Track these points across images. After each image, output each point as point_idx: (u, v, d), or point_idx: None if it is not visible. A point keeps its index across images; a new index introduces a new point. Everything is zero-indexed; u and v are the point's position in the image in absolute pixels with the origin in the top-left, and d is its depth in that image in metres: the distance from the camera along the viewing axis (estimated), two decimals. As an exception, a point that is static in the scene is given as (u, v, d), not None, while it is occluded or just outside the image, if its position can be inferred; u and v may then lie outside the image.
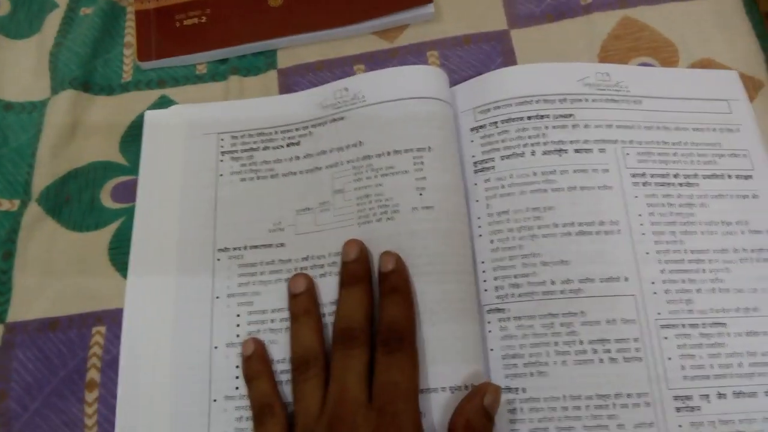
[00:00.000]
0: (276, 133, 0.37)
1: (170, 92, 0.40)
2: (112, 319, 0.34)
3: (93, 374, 0.33)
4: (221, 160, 0.37)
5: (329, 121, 0.37)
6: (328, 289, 0.33)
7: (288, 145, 0.37)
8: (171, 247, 0.35)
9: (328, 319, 0.32)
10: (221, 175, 0.36)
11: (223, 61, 0.41)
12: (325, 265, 0.33)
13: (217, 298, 0.34)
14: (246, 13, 0.41)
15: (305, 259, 0.34)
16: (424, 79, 0.37)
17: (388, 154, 0.35)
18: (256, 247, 0.34)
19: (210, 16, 0.41)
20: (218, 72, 0.40)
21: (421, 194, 0.34)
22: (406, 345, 0.30)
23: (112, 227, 0.36)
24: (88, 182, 0.37)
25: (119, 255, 0.35)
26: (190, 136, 0.38)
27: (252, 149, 0.37)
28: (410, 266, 0.32)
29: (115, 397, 0.32)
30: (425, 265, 0.32)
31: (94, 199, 0.37)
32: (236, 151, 0.37)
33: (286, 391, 0.31)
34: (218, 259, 0.34)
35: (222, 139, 0.37)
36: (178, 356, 0.32)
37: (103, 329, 0.34)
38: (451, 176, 0.35)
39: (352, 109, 0.36)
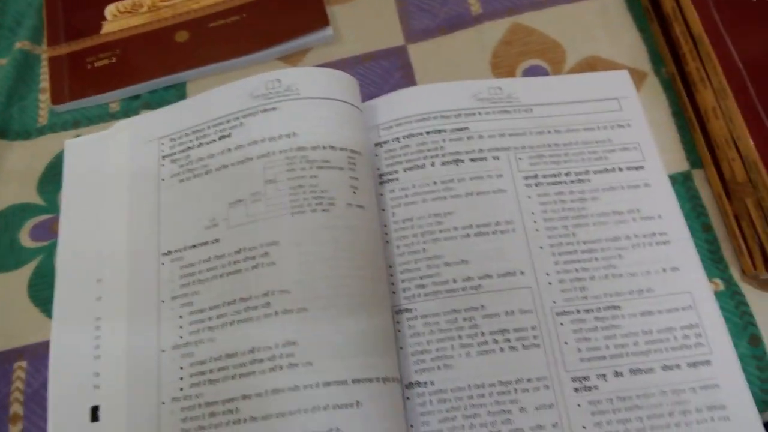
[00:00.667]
0: (209, 128, 0.37)
1: (84, 131, 0.42)
2: (33, 354, 0.35)
3: (16, 408, 0.34)
4: (162, 165, 0.37)
5: (260, 112, 0.36)
6: (261, 281, 0.33)
7: (220, 138, 0.37)
8: (119, 258, 0.36)
9: (261, 312, 0.32)
10: (163, 179, 0.37)
11: (135, 97, 0.43)
12: (257, 257, 0.33)
13: (162, 302, 0.34)
14: (154, 51, 0.43)
15: (238, 252, 0.34)
16: (353, 88, 0.38)
17: (324, 148, 0.35)
18: (194, 246, 0.35)
19: (120, 57, 0.43)
20: (131, 108, 0.42)
21: (354, 192, 0.35)
22: None
23: (32, 265, 0.38)
24: (7, 225, 0.39)
25: (39, 291, 0.37)
26: (133, 146, 0.38)
27: (188, 148, 0.37)
28: (345, 260, 0.33)
29: (38, 428, 0.33)
30: (359, 260, 0.33)
31: (13, 241, 0.38)
32: (174, 153, 0.37)
33: (222, 388, 0.32)
34: (162, 264, 0.35)
35: (162, 144, 0.38)
36: (131, 362, 0.33)
37: (24, 364, 0.35)
38: (373, 184, 0.37)
39: (286, 101, 0.36)
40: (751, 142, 0.34)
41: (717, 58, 0.36)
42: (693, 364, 0.33)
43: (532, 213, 0.37)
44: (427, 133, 0.39)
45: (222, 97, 0.38)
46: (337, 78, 0.37)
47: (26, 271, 0.37)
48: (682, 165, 0.39)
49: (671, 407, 0.32)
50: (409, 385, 0.33)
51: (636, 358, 0.33)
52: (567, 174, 0.38)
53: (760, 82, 0.35)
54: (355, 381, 0.30)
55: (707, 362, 0.33)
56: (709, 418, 0.32)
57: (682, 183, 0.38)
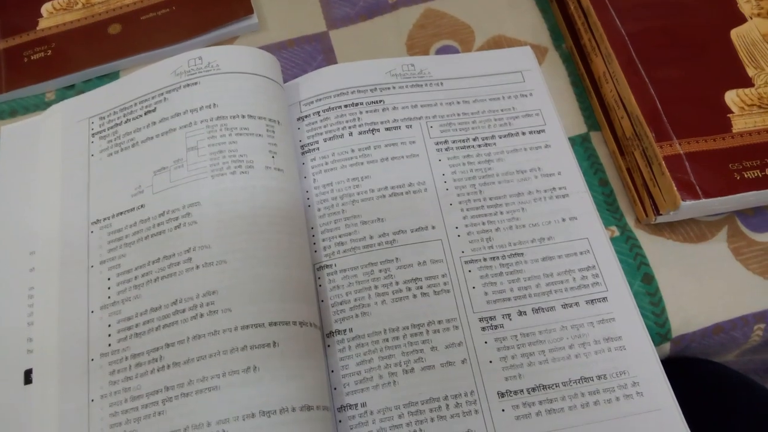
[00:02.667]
0: (135, 105, 0.39)
1: (22, 119, 0.43)
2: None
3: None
4: (92, 142, 0.39)
5: (183, 86, 0.38)
6: (183, 239, 0.35)
7: (145, 114, 0.39)
8: (51, 230, 0.38)
9: (183, 267, 0.34)
10: (92, 155, 0.39)
11: (70, 87, 0.45)
12: (179, 218, 0.35)
13: (92, 266, 0.36)
14: (88, 43, 0.45)
15: (161, 215, 0.36)
16: (272, 64, 0.40)
17: (243, 117, 0.37)
18: (121, 213, 0.37)
19: (55, 49, 0.45)
20: (66, 96, 0.44)
21: (273, 157, 0.37)
22: None
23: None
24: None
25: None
26: (65, 127, 0.40)
27: (116, 125, 0.39)
28: (263, 216, 0.35)
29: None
30: (277, 218, 0.35)
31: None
32: (104, 131, 0.39)
33: (147, 339, 0.33)
34: (91, 232, 0.37)
35: (92, 123, 0.40)
36: (62, 325, 0.35)
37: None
38: (293, 151, 0.39)
39: (207, 76, 0.38)
40: (634, 99, 0.38)
41: (602, 27, 0.40)
42: (591, 302, 0.36)
43: (443, 174, 0.39)
44: (345, 106, 0.41)
45: (147, 76, 0.40)
46: (256, 55, 0.40)
47: (-38, 248, 0.39)
48: (581, 128, 0.42)
49: (571, 340, 0.35)
50: (330, 334, 0.35)
51: (538, 298, 0.36)
52: (474, 139, 0.41)
53: (641, 45, 0.39)
54: (272, 324, 0.32)
55: (604, 299, 0.36)
56: (606, 348, 0.35)
57: (580, 144, 0.41)
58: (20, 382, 0.35)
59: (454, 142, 0.41)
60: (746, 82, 0.38)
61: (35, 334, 0.36)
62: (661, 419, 0.33)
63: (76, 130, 0.40)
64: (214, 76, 0.38)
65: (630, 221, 0.39)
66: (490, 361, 0.34)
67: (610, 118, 0.41)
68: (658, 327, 0.36)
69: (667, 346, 0.37)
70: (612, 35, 0.40)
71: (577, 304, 0.36)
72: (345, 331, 0.35)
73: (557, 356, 0.35)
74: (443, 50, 0.45)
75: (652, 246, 0.38)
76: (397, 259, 0.37)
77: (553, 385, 0.34)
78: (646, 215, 0.38)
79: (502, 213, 0.38)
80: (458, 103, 0.42)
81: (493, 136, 0.41)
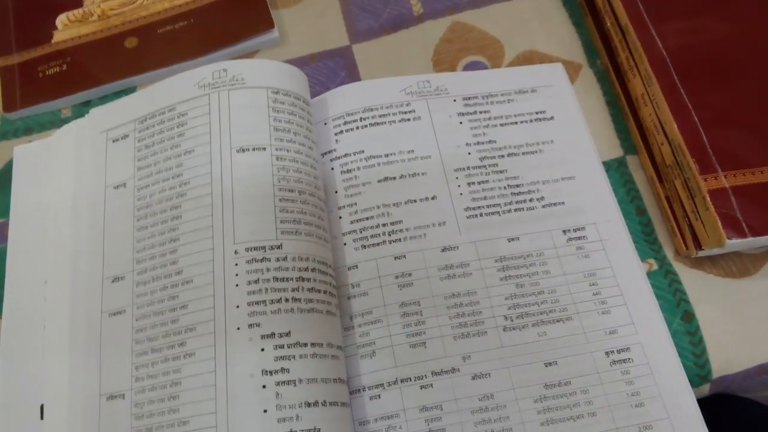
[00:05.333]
0: (153, 117, 0.38)
1: (37, 137, 0.42)
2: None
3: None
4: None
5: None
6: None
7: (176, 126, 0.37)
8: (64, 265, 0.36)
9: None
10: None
11: (86, 103, 0.43)
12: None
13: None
14: (104, 57, 0.44)
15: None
16: (301, 80, 0.38)
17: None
18: None
19: (70, 64, 0.44)
20: (82, 113, 0.42)
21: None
22: None
23: (-20, 269, 0.38)
24: (-41, 231, 0.39)
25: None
26: (79, 145, 0.39)
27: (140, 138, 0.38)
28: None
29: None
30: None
31: (-37, 246, 0.39)
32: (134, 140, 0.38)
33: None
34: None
35: (108, 135, 0.39)
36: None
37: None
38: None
39: (232, 90, 0.36)
40: (675, 126, 0.36)
41: (642, 46, 0.38)
42: (617, 352, 0.34)
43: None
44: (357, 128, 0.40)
45: (169, 87, 0.38)
46: (283, 69, 0.38)
47: (-25, 274, 0.38)
48: (616, 151, 0.40)
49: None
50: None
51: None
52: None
53: (683, 67, 0.37)
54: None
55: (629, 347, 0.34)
56: (637, 401, 0.33)
57: (616, 168, 0.39)
58: (36, 416, 0.34)
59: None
60: (796, 108, 0.36)
61: (48, 367, 0.35)
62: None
63: (90, 146, 0.39)
64: (240, 91, 0.37)
65: (669, 253, 0.37)
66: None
67: (648, 142, 0.39)
68: (697, 368, 0.34)
69: (706, 387, 0.35)
70: (652, 55, 0.38)
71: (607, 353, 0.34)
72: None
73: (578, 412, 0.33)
74: (471, 66, 0.43)
75: (692, 281, 0.36)
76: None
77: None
78: (687, 248, 0.36)
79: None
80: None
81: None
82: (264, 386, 0.30)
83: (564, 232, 0.37)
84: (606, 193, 0.38)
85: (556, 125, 0.40)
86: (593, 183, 0.38)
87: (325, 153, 0.39)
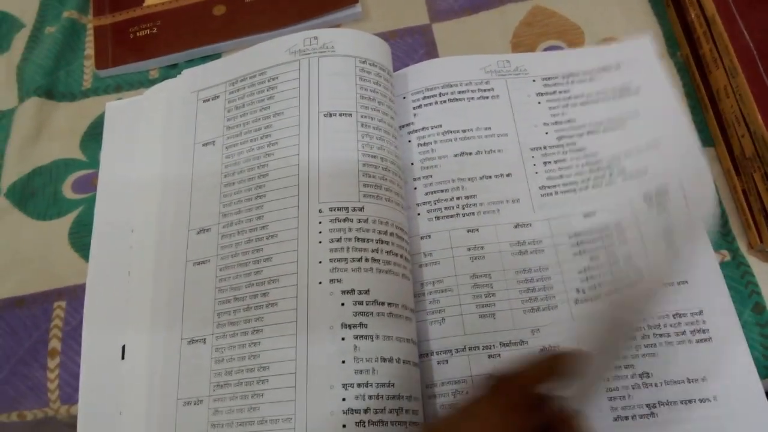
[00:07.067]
0: (244, 80, 0.39)
1: (126, 95, 0.44)
2: (72, 295, 0.38)
3: (55, 343, 0.36)
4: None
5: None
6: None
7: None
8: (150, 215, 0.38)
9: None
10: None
11: (173, 66, 0.45)
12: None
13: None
14: (193, 23, 0.45)
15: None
16: (386, 52, 0.40)
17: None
18: None
19: (160, 28, 0.46)
20: (169, 75, 0.44)
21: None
22: None
23: (72, 215, 0.40)
24: (52, 177, 0.41)
25: (79, 239, 0.39)
26: (170, 105, 0.41)
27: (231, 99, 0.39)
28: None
29: (74, 363, 0.35)
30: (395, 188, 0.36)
31: (56, 192, 0.41)
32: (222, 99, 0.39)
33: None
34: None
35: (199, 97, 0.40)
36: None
37: (63, 303, 0.37)
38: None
39: (322, 56, 0.38)
40: (760, 117, 0.36)
41: (729, 38, 0.38)
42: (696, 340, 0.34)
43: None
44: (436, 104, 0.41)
45: (260, 52, 0.40)
46: (370, 40, 0.39)
47: (68, 220, 0.40)
48: (693, 143, 0.40)
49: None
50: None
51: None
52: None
53: (770, 60, 0.37)
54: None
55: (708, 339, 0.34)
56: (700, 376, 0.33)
57: (692, 159, 0.40)
58: (117, 355, 0.36)
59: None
60: None
61: (131, 312, 0.36)
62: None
63: (181, 106, 0.40)
64: (330, 58, 0.38)
65: (742, 246, 0.37)
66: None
67: (726, 134, 0.39)
68: (766, 360, 0.34)
69: (773, 380, 0.35)
70: (739, 48, 0.37)
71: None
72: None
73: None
74: (550, 50, 0.43)
75: (765, 274, 0.36)
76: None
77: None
78: (762, 242, 0.36)
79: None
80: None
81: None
82: (343, 338, 0.31)
83: (645, 198, 0.36)
84: (693, 161, 0.37)
85: (641, 98, 0.40)
86: (681, 149, 0.37)
87: (403, 126, 0.40)
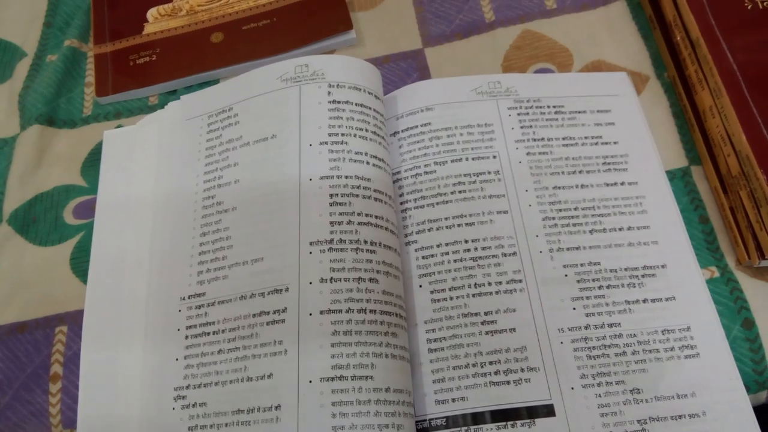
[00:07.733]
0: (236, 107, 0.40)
1: (125, 122, 0.45)
2: (73, 320, 0.38)
3: (56, 368, 0.37)
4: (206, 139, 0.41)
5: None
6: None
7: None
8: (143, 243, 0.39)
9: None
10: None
11: (172, 92, 0.46)
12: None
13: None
14: (191, 50, 0.47)
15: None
16: (376, 78, 0.41)
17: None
18: None
19: (159, 55, 0.47)
20: (168, 102, 0.45)
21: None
22: None
23: (74, 241, 0.41)
24: (53, 203, 0.42)
25: (80, 264, 0.40)
26: (162, 133, 0.42)
27: (218, 128, 0.40)
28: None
29: (76, 387, 0.36)
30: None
31: (57, 218, 0.42)
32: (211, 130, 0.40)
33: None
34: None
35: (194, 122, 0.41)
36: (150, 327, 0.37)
37: (65, 329, 0.38)
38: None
39: (311, 83, 0.38)
40: (744, 138, 0.37)
41: (713, 60, 0.39)
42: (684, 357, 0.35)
43: (519, 162, 0.40)
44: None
45: (252, 79, 0.40)
46: (361, 67, 0.40)
47: (69, 245, 0.41)
48: (681, 161, 0.41)
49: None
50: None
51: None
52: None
53: (753, 81, 0.38)
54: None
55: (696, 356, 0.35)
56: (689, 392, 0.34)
57: (681, 178, 0.40)
58: (113, 379, 0.36)
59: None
60: None
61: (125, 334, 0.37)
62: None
63: (176, 133, 0.41)
64: (318, 85, 0.38)
65: (730, 262, 0.38)
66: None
67: (713, 153, 0.40)
68: (756, 374, 0.35)
69: (763, 395, 0.36)
70: (723, 69, 0.39)
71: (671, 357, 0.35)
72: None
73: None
74: (540, 72, 0.44)
75: (754, 290, 0.37)
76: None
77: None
78: (749, 258, 0.37)
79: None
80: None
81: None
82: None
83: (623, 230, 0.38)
84: (668, 200, 0.39)
85: (618, 130, 0.41)
86: (655, 189, 0.39)
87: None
